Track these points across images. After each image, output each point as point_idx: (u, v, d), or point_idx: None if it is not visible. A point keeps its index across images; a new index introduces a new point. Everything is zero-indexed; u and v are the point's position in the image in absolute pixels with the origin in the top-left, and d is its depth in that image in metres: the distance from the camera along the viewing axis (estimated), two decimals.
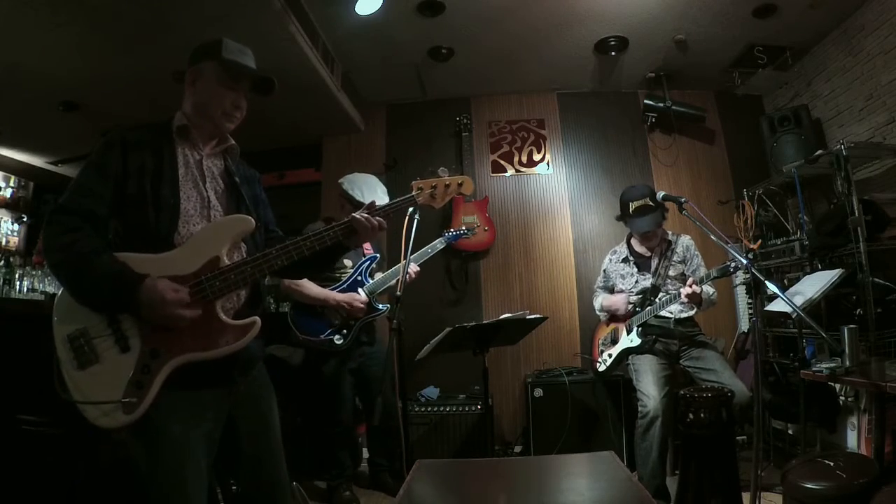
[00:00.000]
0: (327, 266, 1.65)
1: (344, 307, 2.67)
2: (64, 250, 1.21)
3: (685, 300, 2.50)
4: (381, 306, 2.77)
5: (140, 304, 1.17)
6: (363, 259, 2.83)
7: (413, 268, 2.80)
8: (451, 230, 3.07)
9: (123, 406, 1.14)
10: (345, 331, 2.70)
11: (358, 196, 2.77)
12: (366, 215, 1.43)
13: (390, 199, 1.66)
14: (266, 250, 1.34)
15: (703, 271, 2.67)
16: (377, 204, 1.51)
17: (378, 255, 2.92)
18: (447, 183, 1.55)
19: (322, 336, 2.68)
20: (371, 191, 2.82)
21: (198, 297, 1.24)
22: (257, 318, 1.29)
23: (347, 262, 2.79)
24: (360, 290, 2.76)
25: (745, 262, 2.02)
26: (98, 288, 1.19)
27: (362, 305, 2.70)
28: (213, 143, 1.45)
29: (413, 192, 1.54)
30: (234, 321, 1.29)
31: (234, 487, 1.49)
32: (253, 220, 1.36)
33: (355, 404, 2.98)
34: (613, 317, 2.87)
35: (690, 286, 2.44)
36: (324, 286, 2.71)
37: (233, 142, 1.48)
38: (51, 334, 1.20)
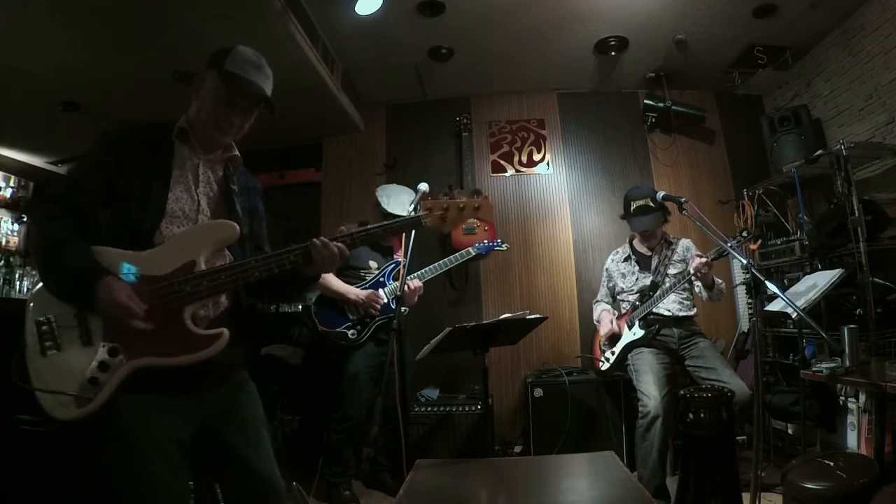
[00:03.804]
0: (296, 293, 1.55)
1: (361, 302, 2.73)
2: (41, 237, 1.23)
3: (695, 275, 2.50)
4: (401, 308, 2.79)
5: (95, 299, 1.16)
6: (388, 262, 2.91)
7: (416, 283, 2.83)
8: (486, 242, 3.17)
9: (76, 400, 1.13)
10: (359, 326, 2.77)
11: (384, 203, 2.86)
12: (323, 240, 1.34)
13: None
14: (245, 260, 1.30)
15: None
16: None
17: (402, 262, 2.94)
18: (461, 205, 1.40)
19: (338, 329, 2.76)
20: (398, 201, 2.88)
21: (166, 301, 1.21)
22: (225, 330, 1.23)
23: (373, 264, 2.87)
24: (381, 290, 2.83)
25: (745, 261, 2.03)
26: (62, 277, 1.19)
27: (378, 304, 2.76)
28: (215, 150, 1.42)
29: (420, 213, 1.43)
30: (200, 331, 1.24)
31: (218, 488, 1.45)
32: (237, 227, 1.31)
33: (373, 403, 2.98)
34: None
35: (700, 256, 2.47)
36: (349, 283, 2.79)
37: (236, 152, 1.45)
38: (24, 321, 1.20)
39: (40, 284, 1.24)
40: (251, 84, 1.36)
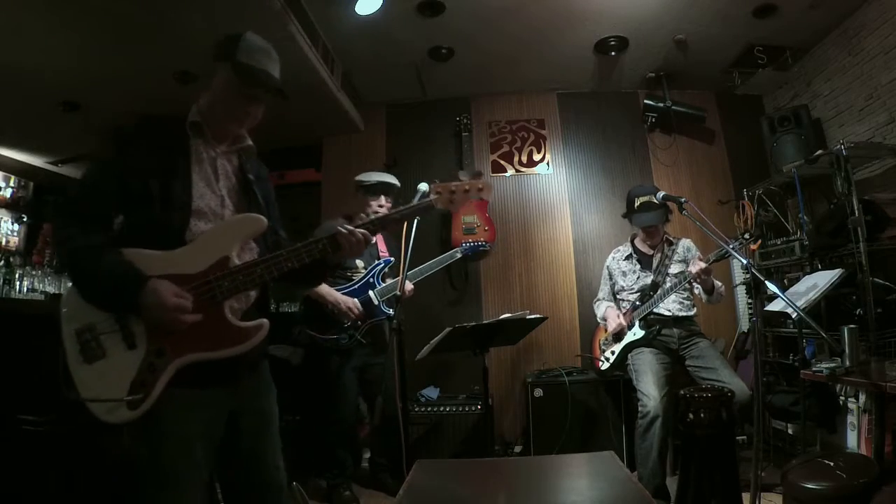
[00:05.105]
0: (319, 279, 1.60)
1: (341, 308, 2.69)
2: (70, 248, 1.22)
3: (695, 279, 2.52)
4: (388, 310, 2.79)
5: (142, 305, 1.17)
6: (376, 262, 2.88)
7: (408, 286, 2.80)
8: (470, 241, 3.27)
9: (128, 403, 1.15)
10: (349, 329, 2.75)
11: (366, 180, 2.91)
12: (349, 228, 1.38)
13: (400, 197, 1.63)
14: (277, 252, 1.32)
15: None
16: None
17: (392, 260, 2.93)
18: (467, 188, 1.52)
19: (327, 332, 2.74)
20: (380, 176, 2.96)
21: (206, 298, 1.23)
22: (265, 321, 1.29)
23: (360, 263, 2.84)
24: (370, 292, 2.80)
25: (745, 261, 2.03)
26: (102, 287, 1.19)
27: (356, 312, 2.72)
28: (229, 141, 1.43)
29: (431, 197, 1.52)
30: (242, 323, 1.28)
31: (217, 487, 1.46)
32: (265, 220, 1.35)
33: (359, 404, 2.99)
34: None
35: (699, 261, 2.47)
36: (334, 284, 2.77)
37: (249, 142, 1.45)
38: (54, 333, 1.19)
39: (69, 290, 1.24)
40: (265, 74, 1.36)
